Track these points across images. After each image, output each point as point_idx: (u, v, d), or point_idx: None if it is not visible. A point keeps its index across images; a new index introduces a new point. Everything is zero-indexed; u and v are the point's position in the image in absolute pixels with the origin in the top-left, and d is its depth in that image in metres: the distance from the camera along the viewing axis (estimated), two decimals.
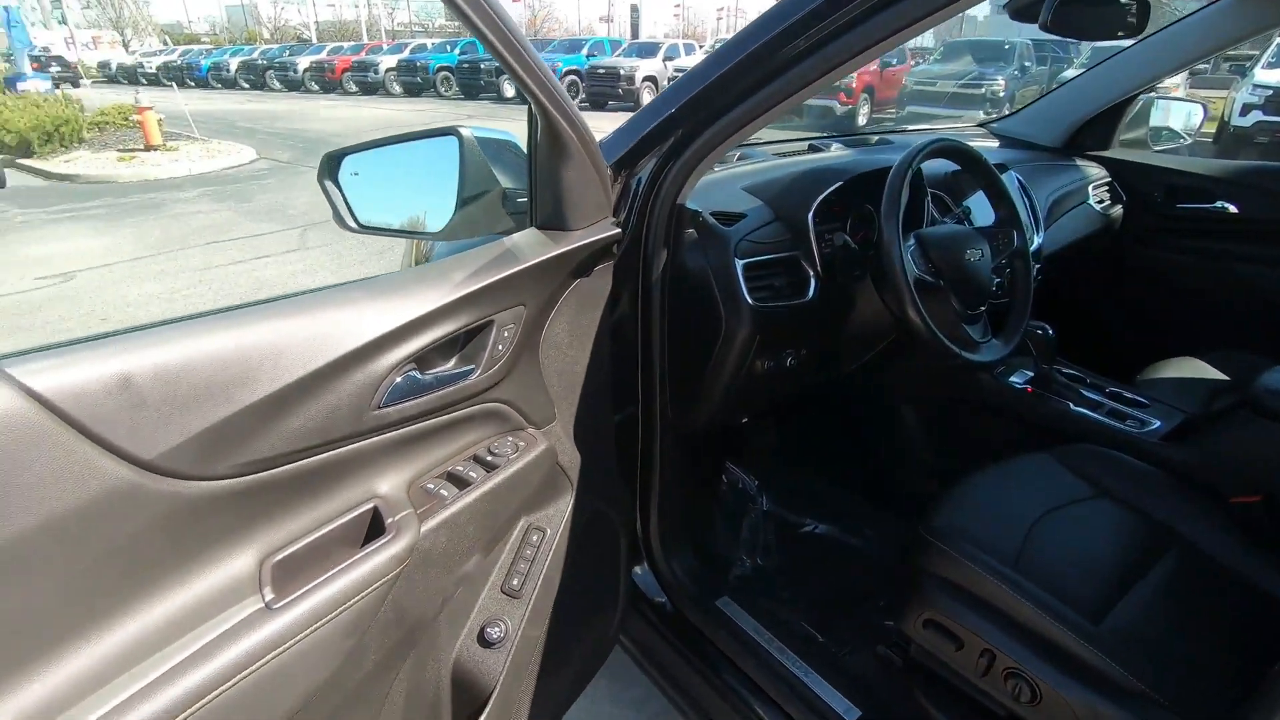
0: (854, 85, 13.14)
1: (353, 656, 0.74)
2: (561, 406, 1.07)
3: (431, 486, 0.85)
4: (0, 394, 0.51)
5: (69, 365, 0.55)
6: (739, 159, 1.70)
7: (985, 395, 1.61)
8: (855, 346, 1.50)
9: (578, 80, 17.13)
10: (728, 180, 1.51)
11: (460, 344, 0.88)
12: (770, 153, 1.78)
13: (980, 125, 2.35)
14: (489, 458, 0.92)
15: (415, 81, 21.65)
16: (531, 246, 0.95)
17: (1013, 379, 1.62)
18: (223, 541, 0.67)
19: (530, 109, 0.91)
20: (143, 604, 0.60)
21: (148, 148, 10.19)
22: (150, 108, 10.34)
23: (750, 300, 1.23)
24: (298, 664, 0.67)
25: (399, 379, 0.78)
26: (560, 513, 1.07)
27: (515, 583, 1.02)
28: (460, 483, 0.88)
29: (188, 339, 0.62)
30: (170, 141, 10.65)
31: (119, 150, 10.21)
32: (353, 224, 1.09)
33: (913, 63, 14.90)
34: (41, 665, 0.54)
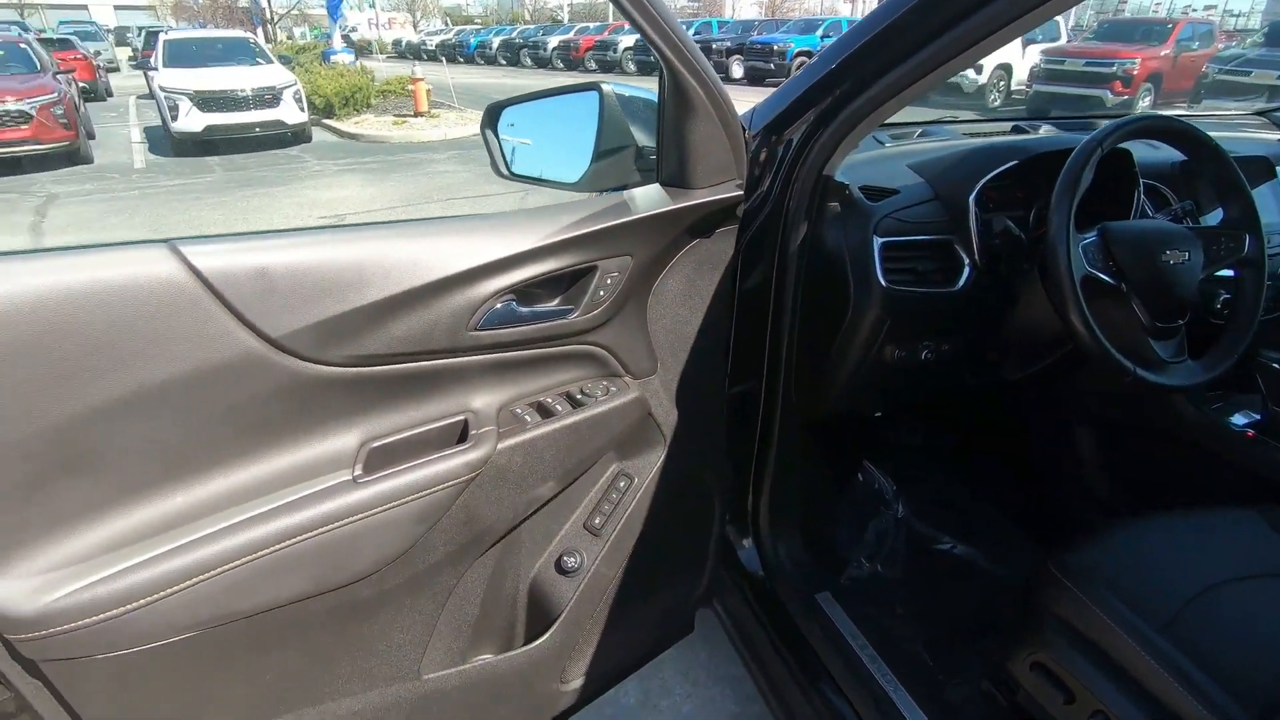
0: (1134, 71, 11.21)
1: (423, 543, 0.84)
2: (666, 363, 1.09)
3: (519, 411, 0.92)
4: (169, 265, 0.65)
5: (222, 252, 0.68)
6: (919, 136, 1.57)
7: (1189, 431, 1.35)
8: (1019, 352, 1.34)
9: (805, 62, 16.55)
10: (896, 157, 1.41)
11: (564, 285, 0.94)
12: (962, 132, 1.62)
13: (1259, 114, 1.92)
14: (579, 396, 0.97)
15: (648, 60, 22.50)
16: (648, 200, 0.98)
17: (1234, 419, 1.34)
18: (331, 421, 0.79)
19: (660, 66, 0.93)
20: (256, 455, 0.74)
21: (416, 114, 11.73)
22: (422, 79, 11.86)
23: (883, 281, 1.14)
24: (372, 534, 0.78)
25: (498, 305, 0.85)
26: (650, 465, 1.10)
27: (597, 521, 1.07)
28: (545, 413, 0.94)
29: (315, 246, 0.73)
30: (434, 109, 12.16)
31: (394, 115, 11.88)
32: (505, 172, 1.19)
33: (1221, 45, 12.31)
34: (172, 486, 0.69)
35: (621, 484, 1.09)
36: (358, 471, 0.78)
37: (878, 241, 1.15)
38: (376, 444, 0.82)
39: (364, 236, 0.77)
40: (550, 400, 0.95)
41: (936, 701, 1.20)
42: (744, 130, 1.03)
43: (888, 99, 1.03)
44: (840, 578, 1.56)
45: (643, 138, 1.09)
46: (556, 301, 0.94)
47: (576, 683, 1.11)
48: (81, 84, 11.23)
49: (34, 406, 0.60)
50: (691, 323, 1.10)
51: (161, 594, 0.66)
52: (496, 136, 1.19)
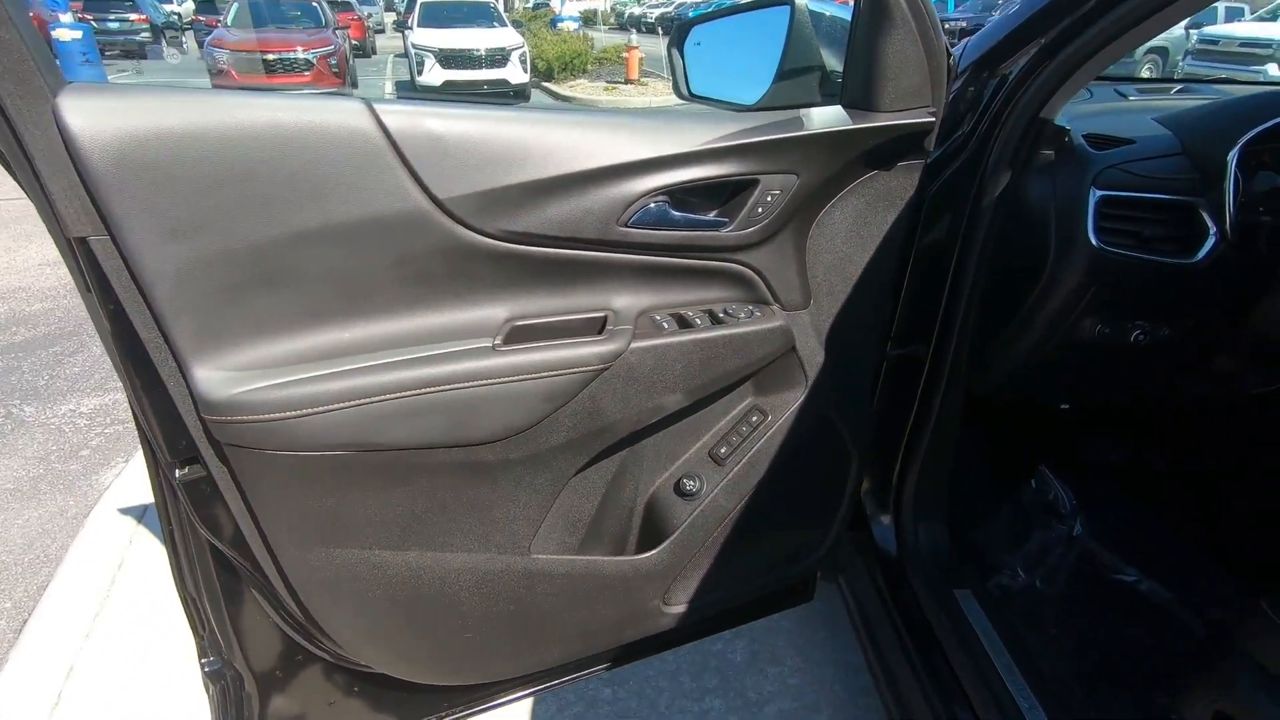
0: None
1: (549, 424, 0.87)
2: (821, 300, 1.03)
3: (658, 318, 0.92)
4: (363, 119, 0.72)
5: (408, 114, 0.74)
6: (1178, 91, 1.33)
7: None
8: (1267, 356, 1.10)
9: None
10: (1140, 110, 1.20)
11: (722, 196, 0.91)
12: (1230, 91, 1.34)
13: None
14: (720, 314, 0.95)
15: None
16: (824, 118, 0.92)
17: None
18: (481, 290, 0.83)
19: None
20: (414, 306, 0.80)
21: (627, 81, 12.10)
22: (636, 48, 12.18)
23: (1095, 240, 0.98)
24: (501, 402, 0.82)
25: (651, 204, 0.85)
26: (787, 404, 1.05)
27: (723, 450, 1.05)
28: (684, 324, 0.92)
29: (488, 121, 0.77)
30: (644, 78, 12.46)
31: (606, 82, 12.34)
32: (685, 92, 1.18)
33: None
34: (343, 317, 0.77)
35: (754, 418, 1.05)
36: (498, 341, 0.82)
37: (1095, 195, 0.99)
38: (520, 322, 0.86)
39: (532, 119, 0.79)
40: (690, 314, 0.94)
41: None
42: (949, 55, 0.93)
43: (1121, 32, 0.87)
44: (986, 580, 1.41)
45: (833, 61, 1.03)
46: (713, 213, 0.91)
47: (679, 607, 1.11)
48: (353, 41, 12.98)
49: (243, 223, 0.69)
50: (856, 262, 1.03)
51: (320, 409, 0.74)
52: (682, 56, 1.18)
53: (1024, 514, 1.55)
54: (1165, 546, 1.50)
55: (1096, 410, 1.31)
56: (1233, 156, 0.97)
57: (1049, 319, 1.03)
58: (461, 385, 0.79)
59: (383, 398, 0.76)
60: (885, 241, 1.03)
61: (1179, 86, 1.33)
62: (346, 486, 0.80)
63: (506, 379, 0.81)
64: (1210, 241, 0.99)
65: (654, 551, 1.03)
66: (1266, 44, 9.86)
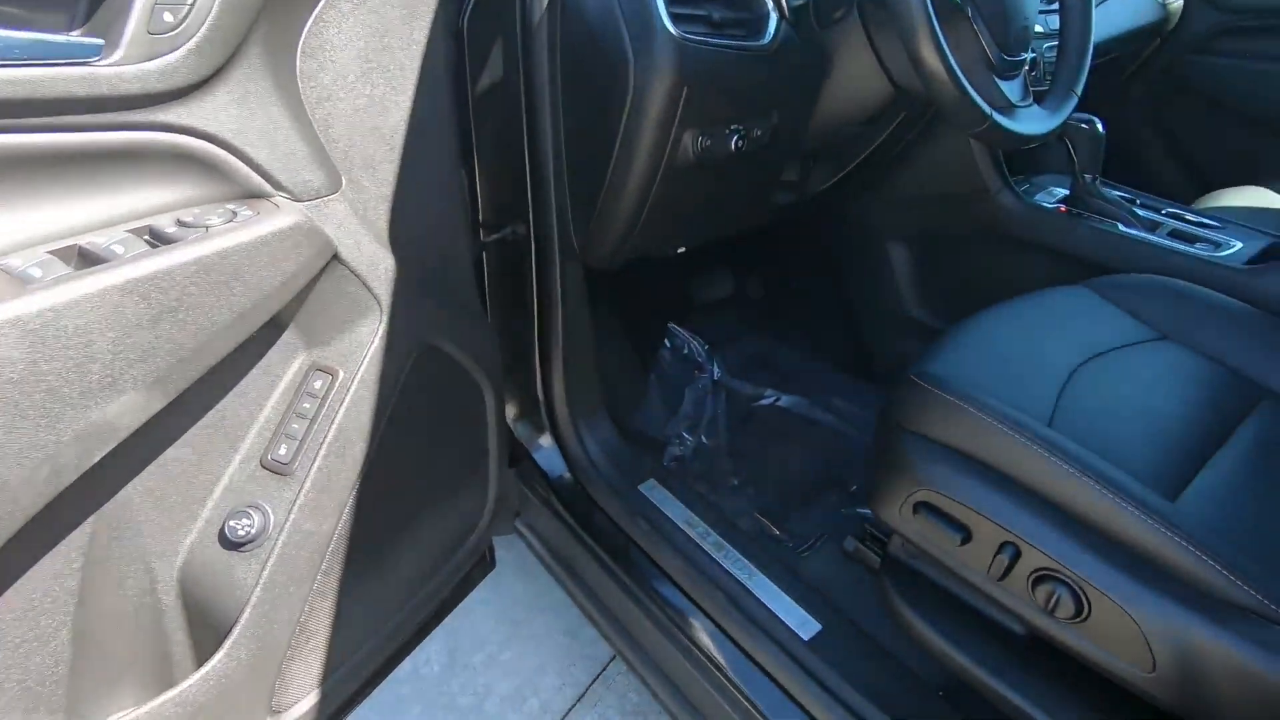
0: None
1: None
2: (358, 177, 0.66)
3: (20, 265, 0.45)
4: None
5: None
6: None
7: (1007, 223, 1.22)
8: (831, 144, 1.09)
9: None
10: None
11: None
12: None
13: None
14: (169, 230, 0.51)
15: None
16: None
17: (1038, 198, 1.23)
18: None
19: None
20: None
21: None
22: None
23: (672, 28, 0.80)
24: None
25: None
26: (360, 346, 0.68)
27: (282, 452, 0.64)
28: (90, 260, 0.47)
29: None
30: None
31: None
32: None
33: None
34: None
35: (317, 384, 0.66)
36: None
37: None
38: None
39: None
40: (102, 242, 0.48)
41: (799, 577, 0.98)
42: None
43: None
44: (663, 460, 1.29)
45: None
46: (70, 24, 0.46)
47: (305, 703, 0.71)
48: None
49: None
50: (392, 111, 0.67)
51: None
52: None
53: (670, 379, 1.48)
54: (792, 362, 1.58)
55: (707, 248, 1.24)
56: None
57: (651, 139, 0.84)
58: None
59: None
60: (425, 79, 0.69)
61: None
62: None
63: None
64: (773, 20, 0.89)
65: (216, 659, 0.60)
66: None
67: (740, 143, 0.90)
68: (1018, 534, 0.71)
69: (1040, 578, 0.70)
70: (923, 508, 0.79)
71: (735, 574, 0.99)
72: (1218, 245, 1.08)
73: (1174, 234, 1.11)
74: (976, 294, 1.32)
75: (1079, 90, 0.97)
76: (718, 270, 1.65)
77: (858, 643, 0.89)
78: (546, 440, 1.17)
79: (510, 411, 1.15)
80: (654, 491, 1.11)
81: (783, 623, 0.92)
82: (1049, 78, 1.01)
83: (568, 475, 1.14)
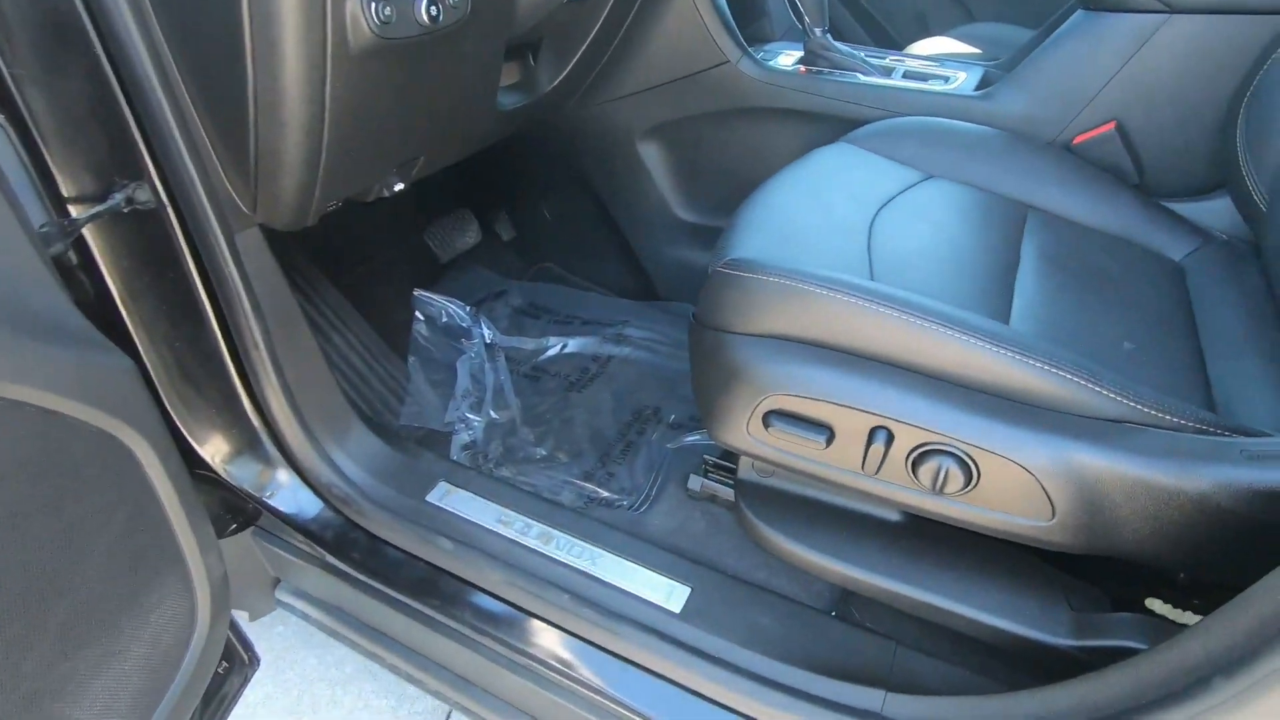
0: None
1: None
2: None
3: None
4: None
5: None
6: None
7: (747, 93, 1.12)
8: (541, 9, 0.88)
9: None
10: None
11: None
12: None
13: None
14: None
15: None
16: None
17: (776, 62, 1.15)
18: None
19: None
20: None
21: None
22: None
23: None
24: None
25: None
26: None
27: None
28: None
29: None
30: None
31: None
32: None
33: None
34: None
35: None
36: None
37: None
38: None
39: None
40: None
41: (645, 541, 0.82)
42: None
43: None
44: (451, 455, 1.04)
45: None
46: None
47: None
48: None
49: None
50: None
51: None
52: None
53: (431, 355, 1.21)
54: (566, 303, 1.39)
55: (435, 185, 0.99)
56: None
57: (294, 8, 0.56)
58: None
59: None
60: None
61: None
62: None
63: None
64: None
65: None
66: None
67: (434, 9, 0.65)
68: (887, 414, 0.60)
69: (920, 456, 0.60)
70: (774, 417, 0.65)
71: (574, 564, 0.79)
72: (947, 79, 1.08)
73: (908, 75, 1.10)
74: (739, 178, 1.23)
75: None
76: (457, 215, 1.38)
77: (735, 592, 0.76)
78: (284, 477, 0.86)
79: (215, 454, 0.82)
80: (448, 497, 0.87)
81: (646, 602, 0.75)
82: None
83: (327, 512, 0.85)
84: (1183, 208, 0.89)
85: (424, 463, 0.93)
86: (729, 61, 1.10)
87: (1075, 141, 0.95)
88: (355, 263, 1.24)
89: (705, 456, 0.89)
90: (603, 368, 1.26)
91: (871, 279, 0.71)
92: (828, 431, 0.63)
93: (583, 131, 1.26)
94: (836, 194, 0.86)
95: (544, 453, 1.09)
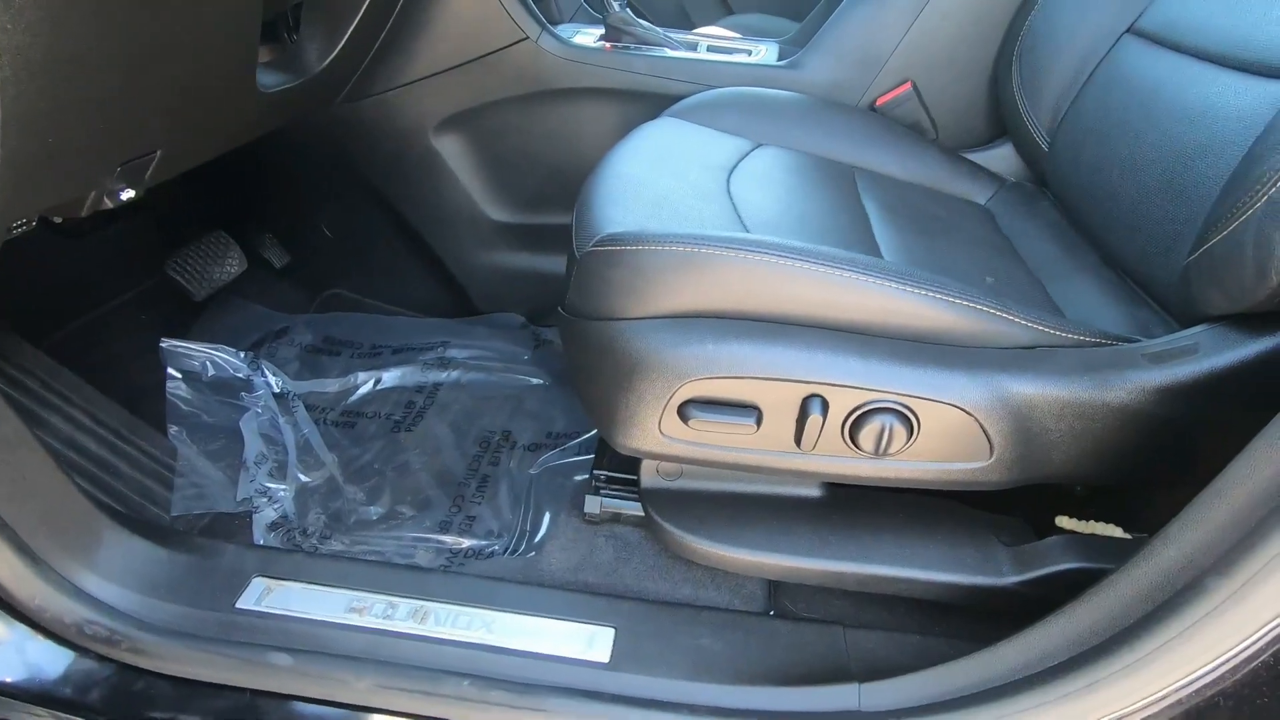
0: None
1: None
2: None
3: None
4: None
5: None
6: None
7: (551, 74, 1.02)
8: None
9: None
10: None
11: None
12: None
13: None
14: None
15: None
16: None
17: (577, 40, 1.06)
18: None
19: None
20: None
21: None
22: None
23: None
24: None
25: None
26: None
27: None
28: None
29: None
30: None
31: None
32: None
33: None
34: None
35: None
36: None
37: None
38: None
39: None
40: None
41: (545, 587, 0.68)
42: None
43: None
44: (254, 539, 0.81)
45: None
46: None
47: None
48: None
49: None
50: None
51: None
52: None
53: (200, 419, 0.94)
54: (369, 331, 1.18)
55: (184, 198, 0.76)
56: None
57: None
58: None
59: None
60: None
61: None
62: None
63: None
64: None
65: None
66: None
67: None
68: (821, 379, 0.54)
69: (859, 419, 0.55)
70: (693, 407, 0.56)
71: (465, 638, 0.63)
72: (750, 52, 1.08)
73: (712, 49, 1.08)
74: (553, 168, 1.12)
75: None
76: (210, 239, 1.10)
77: (666, 618, 0.65)
78: (3, 632, 0.58)
79: None
80: (269, 597, 0.65)
81: (566, 660, 0.61)
82: None
83: (84, 663, 0.59)
84: (976, 156, 0.97)
85: (223, 559, 0.69)
86: (528, 39, 1.00)
87: (878, 103, 0.99)
88: (69, 314, 0.93)
89: (594, 472, 0.77)
90: (430, 399, 1.08)
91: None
92: (756, 412, 0.56)
93: (363, 129, 1.06)
94: (682, 161, 0.80)
95: (380, 510, 0.89)
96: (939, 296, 0.56)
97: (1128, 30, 0.79)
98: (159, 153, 0.64)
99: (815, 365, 0.54)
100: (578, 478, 0.92)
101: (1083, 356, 0.56)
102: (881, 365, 0.54)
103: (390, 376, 1.10)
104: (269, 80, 0.77)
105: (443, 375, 1.11)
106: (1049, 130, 0.87)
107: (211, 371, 1.02)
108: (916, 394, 0.54)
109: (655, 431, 0.58)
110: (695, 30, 1.20)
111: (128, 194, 0.64)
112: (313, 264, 1.24)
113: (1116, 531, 0.65)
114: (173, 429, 0.94)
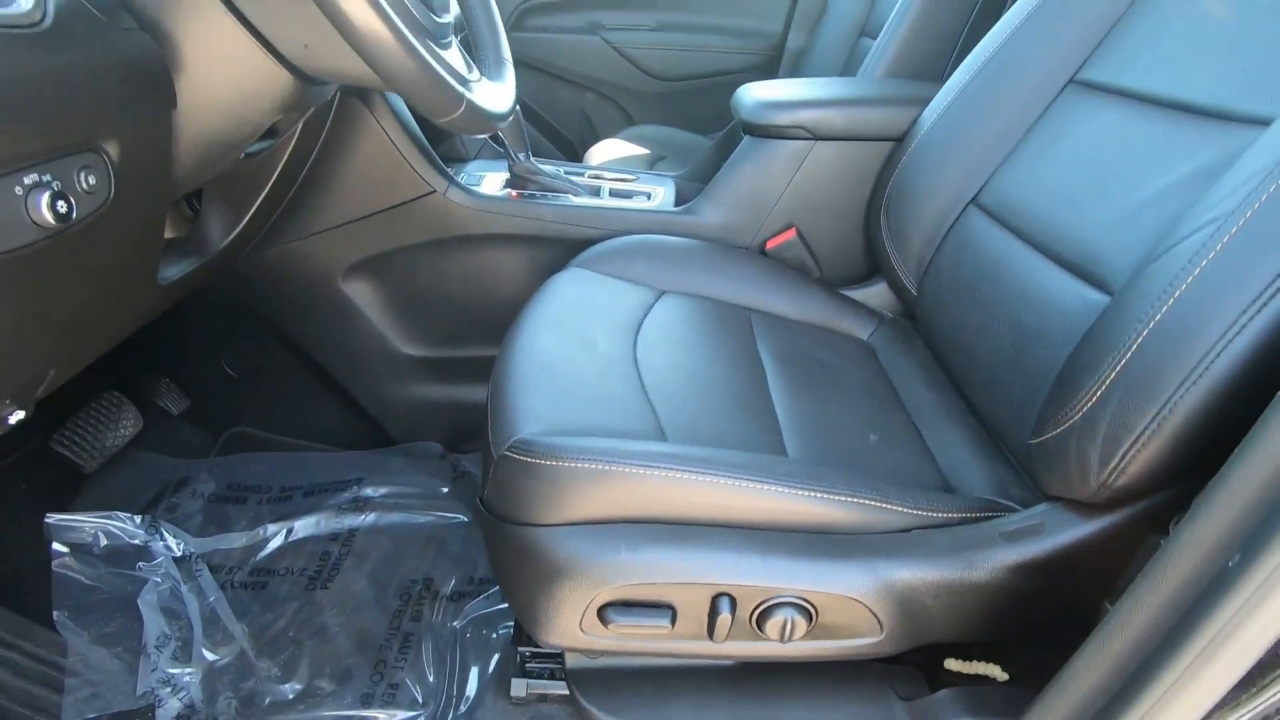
0: None
1: None
2: None
3: None
4: None
5: None
6: None
7: (459, 222, 1.05)
8: (216, 158, 0.71)
9: None
10: None
11: None
12: None
13: None
14: None
15: None
16: None
17: (482, 187, 1.10)
18: None
19: None
20: None
21: None
22: None
23: None
24: None
25: None
26: None
27: None
28: None
29: None
30: None
31: None
32: None
33: None
34: None
35: None
36: None
37: None
38: None
39: None
40: None
41: None
42: None
43: None
44: None
45: None
46: None
47: None
48: None
49: None
50: None
51: None
52: None
53: (86, 599, 0.89)
54: (278, 476, 1.14)
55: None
56: None
57: None
58: None
59: None
60: None
61: None
62: None
63: None
64: None
65: None
66: None
67: (61, 205, 0.46)
68: (727, 581, 0.58)
69: (764, 613, 0.59)
70: (610, 610, 0.59)
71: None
72: (649, 195, 1.15)
73: (614, 194, 1.14)
74: (464, 306, 1.15)
75: (507, 53, 0.84)
76: (103, 402, 1.05)
77: None
78: None
79: None
80: None
81: None
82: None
83: None
84: (858, 293, 1.06)
85: None
86: (435, 192, 1.02)
87: (768, 245, 1.07)
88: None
89: (520, 650, 0.78)
90: (346, 547, 1.05)
91: (659, 424, 0.69)
92: (671, 611, 0.59)
93: (268, 277, 1.05)
94: (591, 326, 0.84)
95: (298, 687, 0.86)
96: (826, 495, 0.62)
97: (972, 201, 0.90)
98: (52, 372, 0.62)
99: (722, 566, 0.58)
100: (503, 628, 0.93)
101: (951, 537, 0.63)
102: (780, 562, 0.59)
103: (302, 525, 1.07)
104: (171, 272, 0.76)
105: (359, 519, 1.09)
106: (917, 277, 0.97)
107: (104, 542, 0.97)
108: (813, 588, 0.59)
109: (576, 630, 0.60)
110: (595, 166, 1.27)
111: (16, 416, 0.62)
112: (213, 404, 1.20)
113: (996, 670, 0.72)
114: (58, 615, 0.88)
